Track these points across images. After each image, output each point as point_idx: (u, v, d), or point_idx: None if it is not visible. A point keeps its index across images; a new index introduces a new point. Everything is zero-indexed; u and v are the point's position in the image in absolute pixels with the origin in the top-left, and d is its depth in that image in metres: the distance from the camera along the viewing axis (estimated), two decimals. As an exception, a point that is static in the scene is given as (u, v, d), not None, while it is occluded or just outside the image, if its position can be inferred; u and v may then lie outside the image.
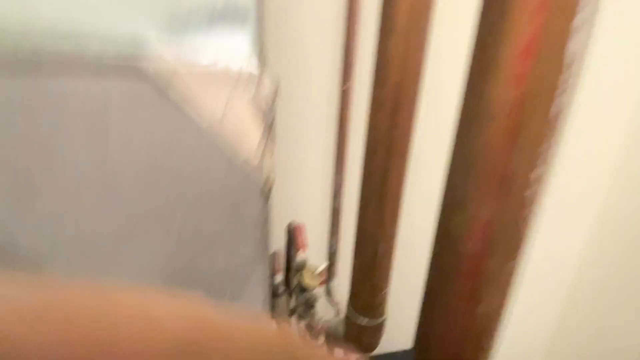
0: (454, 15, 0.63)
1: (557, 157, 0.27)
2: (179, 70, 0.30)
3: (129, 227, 0.36)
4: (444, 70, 0.65)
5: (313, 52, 0.72)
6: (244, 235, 0.39)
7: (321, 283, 0.74)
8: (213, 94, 0.31)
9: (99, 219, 0.35)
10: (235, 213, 0.38)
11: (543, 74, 0.23)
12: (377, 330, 0.67)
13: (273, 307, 0.65)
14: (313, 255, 0.74)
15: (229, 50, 0.32)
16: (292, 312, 0.73)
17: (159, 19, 0.31)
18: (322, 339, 0.34)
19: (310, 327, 0.68)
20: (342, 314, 0.70)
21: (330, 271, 0.86)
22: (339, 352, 0.28)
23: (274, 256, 0.72)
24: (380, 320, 0.66)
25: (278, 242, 0.71)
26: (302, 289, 0.72)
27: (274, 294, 0.69)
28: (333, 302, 0.85)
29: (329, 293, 0.86)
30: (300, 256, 0.71)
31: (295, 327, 0.50)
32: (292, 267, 0.71)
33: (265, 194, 0.36)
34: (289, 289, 0.73)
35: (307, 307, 0.72)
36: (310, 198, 0.85)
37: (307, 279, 0.72)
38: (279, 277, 0.73)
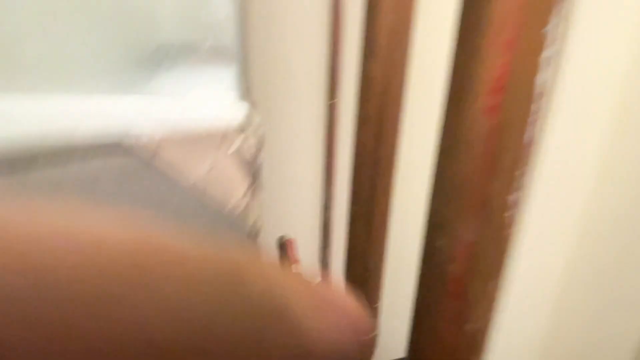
0: (433, 38, 0.64)
1: (532, 179, 0.28)
2: (162, 142, 0.31)
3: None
4: (426, 91, 0.67)
5: (300, 71, 0.74)
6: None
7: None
8: (198, 155, 0.32)
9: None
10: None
11: (515, 105, 0.25)
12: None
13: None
14: (305, 269, 0.74)
15: (213, 95, 0.32)
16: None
17: (141, 69, 0.31)
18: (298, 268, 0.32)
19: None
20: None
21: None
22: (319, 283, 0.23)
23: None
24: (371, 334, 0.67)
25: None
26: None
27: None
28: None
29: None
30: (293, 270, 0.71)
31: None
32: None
33: (253, 237, 0.36)
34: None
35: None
36: (301, 211, 0.86)
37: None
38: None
